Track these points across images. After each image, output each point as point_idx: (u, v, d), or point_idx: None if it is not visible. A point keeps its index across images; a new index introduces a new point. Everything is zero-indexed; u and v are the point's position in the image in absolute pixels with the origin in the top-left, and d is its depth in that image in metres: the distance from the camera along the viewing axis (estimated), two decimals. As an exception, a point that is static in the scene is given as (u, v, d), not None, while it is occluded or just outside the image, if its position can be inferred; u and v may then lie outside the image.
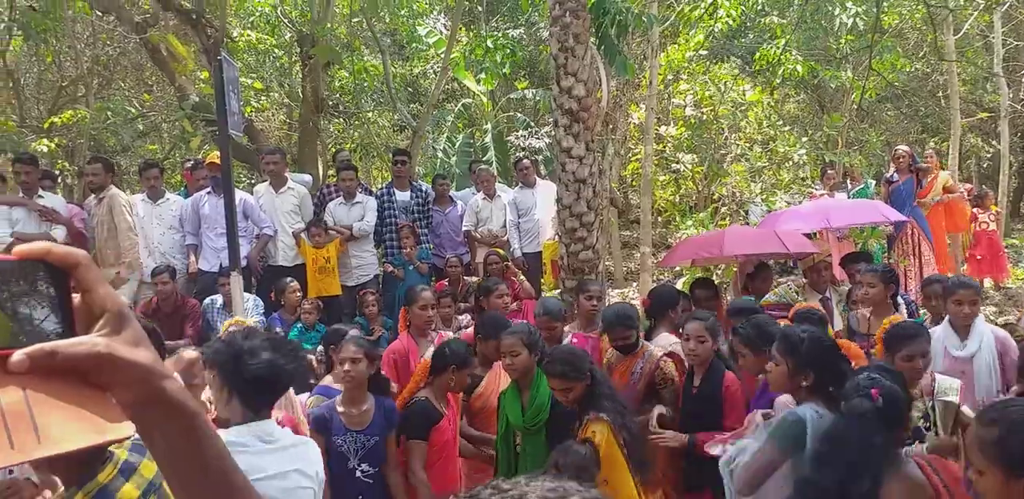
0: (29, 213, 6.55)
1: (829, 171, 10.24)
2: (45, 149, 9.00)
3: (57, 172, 10.22)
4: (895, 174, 8.93)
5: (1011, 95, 12.98)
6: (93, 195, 6.96)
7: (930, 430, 3.36)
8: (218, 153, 6.20)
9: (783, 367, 2.93)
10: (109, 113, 10.17)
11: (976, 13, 12.60)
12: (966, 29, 13.06)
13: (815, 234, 8.52)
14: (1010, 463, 1.72)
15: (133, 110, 12.14)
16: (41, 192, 6.78)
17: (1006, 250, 10.36)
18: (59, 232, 6.63)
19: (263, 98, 13.43)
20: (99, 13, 10.44)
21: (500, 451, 3.92)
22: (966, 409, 3.53)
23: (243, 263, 6.11)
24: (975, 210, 9.79)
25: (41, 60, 11.97)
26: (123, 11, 9.80)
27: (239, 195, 6.57)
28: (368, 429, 3.60)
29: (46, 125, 9.93)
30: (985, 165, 16.78)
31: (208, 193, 7.03)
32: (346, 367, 3.57)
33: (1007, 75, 12.97)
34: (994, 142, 14.54)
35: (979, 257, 9.58)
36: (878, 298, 4.72)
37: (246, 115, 10.59)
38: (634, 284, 11.23)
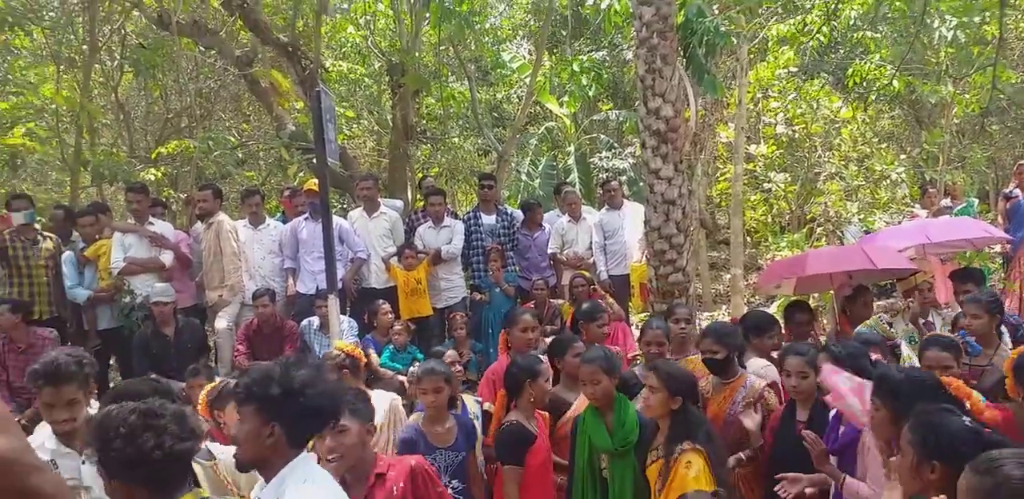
0: (140, 239, 6.92)
1: (930, 190, 9.81)
2: (152, 178, 9.49)
3: (164, 200, 10.75)
4: (1016, 190, 8.44)
5: None
6: (201, 221, 7.28)
7: None
8: (315, 180, 6.43)
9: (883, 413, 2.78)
10: (211, 143, 10.67)
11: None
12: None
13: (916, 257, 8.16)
14: None
15: (233, 139, 12.71)
16: (151, 219, 7.14)
17: None
18: (167, 257, 6.97)
19: (354, 126, 13.87)
20: (202, 49, 11.01)
21: (581, 477, 3.82)
22: None
23: (339, 286, 6.28)
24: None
25: (149, 94, 12.68)
26: (224, 46, 10.33)
27: (335, 220, 6.76)
28: (454, 446, 3.73)
29: (153, 155, 10.48)
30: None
31: (306, 218, 7.28)
32: (429, 398, 3.75)
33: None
34: (1112, 156, 13.64)
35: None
36: (983, 330, 4.53)
37: (340, 143, 10.94)
38: (724, 307, 10.98)
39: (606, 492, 3.82)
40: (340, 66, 13.18)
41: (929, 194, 9.56)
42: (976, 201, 10.13)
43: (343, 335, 5.80)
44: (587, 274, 7.36)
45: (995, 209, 9.06)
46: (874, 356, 3.66)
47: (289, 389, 2.21)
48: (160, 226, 7.17)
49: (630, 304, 8.24)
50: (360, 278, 7.46)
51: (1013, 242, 7.73)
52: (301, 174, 12.20)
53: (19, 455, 0.67)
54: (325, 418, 2.32)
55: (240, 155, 13.22)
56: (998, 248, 8.07)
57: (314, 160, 7.25)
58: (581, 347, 4.46)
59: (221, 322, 6.86)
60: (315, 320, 6.59)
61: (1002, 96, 11.41)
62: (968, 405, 3.06)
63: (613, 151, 13.60)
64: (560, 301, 7.30)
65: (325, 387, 2.27)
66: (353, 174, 9.75)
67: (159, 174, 9.90)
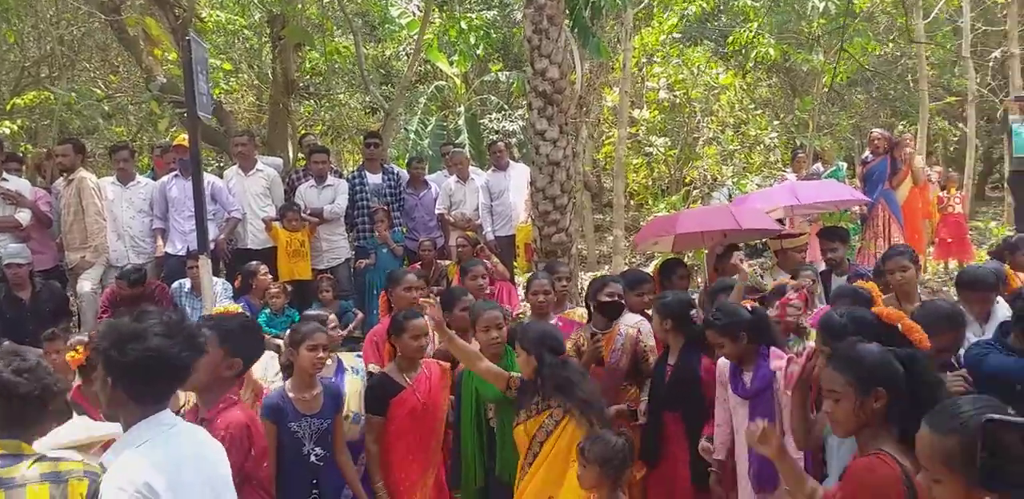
0: (-8, 196, 6.44)
1: (800, 154, 10.32)
2: (7, 131, 8.81)
3: (21, 154, 10.02)
4: (870, 155, 9.03)
5: (978, 79, 13.13)
6: (62, 177, 6.84)
7: None
8: (186, 135, 6.12)
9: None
10: (74, 94, 9.97)
11: (946, -3, 12.73)
12: (936, 13, 13.19)
13: (786, 220, 8.60)
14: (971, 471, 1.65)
15: (99, 91, 11.91)
16: (6, 175, 6.67)
17: (971, 232, 10.53)
18: (24, 215, 6.52)
19: (232, 80, 13.25)
20: (63, -8, 10.20)
21: (466, 423, 3.96)
22: None
23: (211, 246, 6.06)
24: (941, 193, 9.95)
25: (4, 40, 11.67)
26: (88, -10, 9.60)
27: (207, 178, 6.50)
28: (320, 413, 3.67)
29: (8, 107, 9.72)
30: (952, 149, 16.99)
31: (176, 176, 6.96)
32: (320, 354, 3.67)
33: (975, 59, 13.11)
34: (961, 126, 14.73)
35: (949, 240, 9.74)
36: (913, 281, 4.54)
37: (215, 97, 10.43)
38: (606, 267, 11.28)
39: (492, 441, 3.95)
40: (217, 16, 12.48)
41: (799, 159, 10.06)
42: (844, 165, 10.73)
43: (216, 297, 5.62)
44: (471, 235, 7.38)
45: (850, 177, 9.68)
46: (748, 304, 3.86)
47: (115, 341, 2.08)
48: (16, 183, 6.71)
49: (515, 264, 8.33)
50: (235, 238, 7.21)
51: (869, 204, 8.27)
52: (174, 129, 11.61)
53: None
54: (161, 375, 2.10)
55: (107, 108, 12.44)
56: (856, 209, 8.61)
57: (186, 114, 6.89)
58: (469, 301, 4.57)
59: (84, 285, 6.51)
60: (186, 282, 6.35)
61: (867, 69, 12.08)
62: (901, 327, 3.07)
63: (503, 113, 13.58)
64: (447, 262, 7.30)
65: (157, 343, 2.06)
66: (229, 130, 9.35)
67: (15, 127, 9.19)
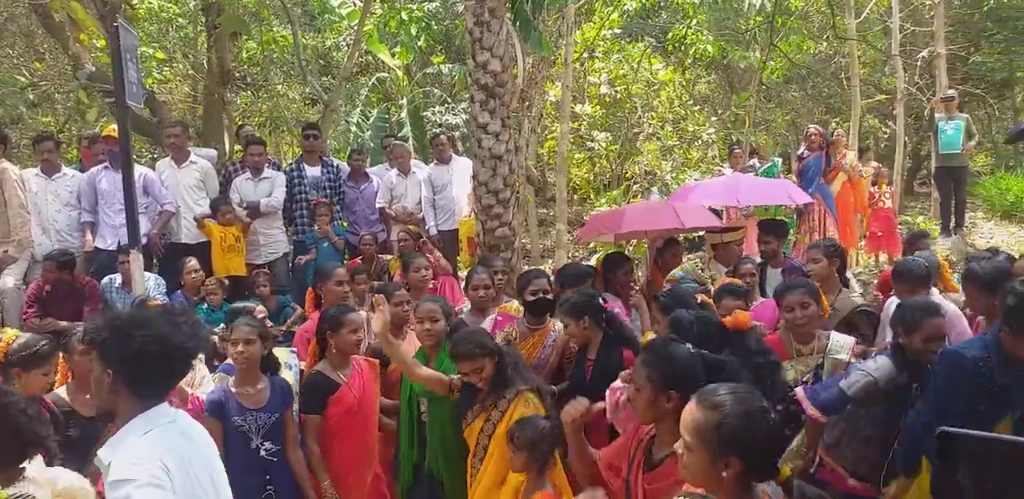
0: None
1: (736, 150, 10.52)
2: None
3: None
4: (806, 151, 9.24)
5: (907, 78, 13.58)
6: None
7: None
8: (116, 126, 5.91)
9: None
10: (-4, 82, 9.55)
11: (876, -2, 13.10)
12: (867, 13, 13.57)
13: (722, 212, 8.75)
14: (718, 446, 1.87)
15: (23, 79, 11.43)
16: (-80, 166, 6.32)
17: (900, 226, 10.90)
18: (-60, 209, 6.20)
19: (166, 69, 12.85)
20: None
21: (403, 418, 3.94)
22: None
23: (144, 241, 5.87)
24: (872, 188, 10.26)
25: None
26: (9, -28, 9.17)
27: (138, 170, 6.31)
28: (266, 407, 3.63)
29: (-77, 94, 9.24)
30: (883, 145, 17.55)
31: (105, 168, 6.73)
32: (240, 348, 3.60)
33: (904, 59, 13.54)
34: (890, 123, 15.21)
35: (879, 234, 10.06)
36: (823, 273, 4.80)
37: (148, 86, 10.10)
38: (550, 261, 11.33)
39: (424, 435, 3.92)
40: (150, 3, 12.07)
41: (735, 154, 10.25)
42: (780, 161, 10.98)
43: (149, 293, 5.44)
44: (414, 229, 7.31)
45: (785, 172, 9.92)
46: (700, 298, 3.92)
47: (117, 330, 1.99)
48: (-70, 174, 6.34)
49: (459, 259, 8.29)
50: (168, 232, 7.00)
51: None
52: (103, 120, 11.19)
53: None
54: (165, 365, 2.03)
55: (32, 97, 11.96)
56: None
57: (115, 104, 6.65)
58: (404, 295, 4.53)
59: (8, 281, 6.23)
60: (117, 278, 6.14)
61: (800, 66, 12.36)
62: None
63: (447, 106, 13.48)
64: (389, 256, 7.22)
65: (163, 330, 1.99)
66: (163, 121, 9.06)
67: (-70, 116, 8.75)
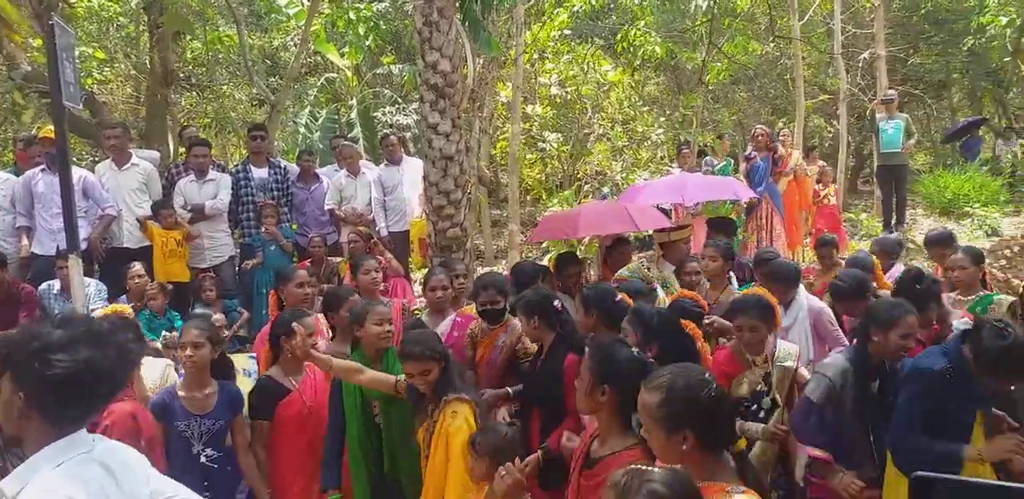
0: None
1: (684, 150, 10.65)
2: None
3: None
4: (753, 152, 9.40)
5: (849, 79, 13.91)
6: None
7: (769, 394, 3.57)
8: (52, 127, 5.73)
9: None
10: (-75, 82, 9.18)
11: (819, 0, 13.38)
12: (810, 15, 13.86)
13: (671, 212, 8.86)
14: (669, 422, 1.99)
15: (-46, 79, 11.02)
16: None
17: (844, 224, 11.15)
18: None
19: (107, 69, 12.53)
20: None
21: (355, 425, 3.76)
22: (803, 371, 3.78)
23: (84, 246, 5.69)
24: (817, 186, 10.49)
25: None
26: (-64, -32, 8.81)
27: (77, 172, 6.14)
28: (212, 413, 3.56)
29: None
30: (827, 145, 17.97)
31: (42, 170, 6.52)
32: (188, 352, 3.53)
33: (845, 60, 13.87)
34: (834, 123, 15.57)
35: (825, 231, 10.27)
36: (717, 271, 5.13)
37: (87, 87, 9.84)
38: (503, 262, 11.33)
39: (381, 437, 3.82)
40: (89, 1, 11.76)
41: (684, 154, 10.38)
42: (732, 161, 11.15)
43: (89, 299, 5.28)
44: (364, 230, 7.23)
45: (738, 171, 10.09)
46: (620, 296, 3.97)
47: (36, 352, 1.74)
48: None
49: (410, 260, 8.23)
50: (110, 237, 6.81)
51: (755, 197, 8.63)
52: (41, 121, 10.85)
53: None
54: (86, 392, 1.77)
55: (-36, 98, 11.54)
56: (743, 201, 8.95)
57: (51, 104, 6.44)
58: (356, 301, 4.44)
59: (-61, 288, 5.97)
60: (56, 283, 5.94)
61: (746, 67, 12.57)
62: (698, 344, 3.49)
63: (397, 106, 13.37)
64: (338, 259, 7.12)
65: (86, 355, 1.75)
66: (103, 122, 8.80)
67: None
